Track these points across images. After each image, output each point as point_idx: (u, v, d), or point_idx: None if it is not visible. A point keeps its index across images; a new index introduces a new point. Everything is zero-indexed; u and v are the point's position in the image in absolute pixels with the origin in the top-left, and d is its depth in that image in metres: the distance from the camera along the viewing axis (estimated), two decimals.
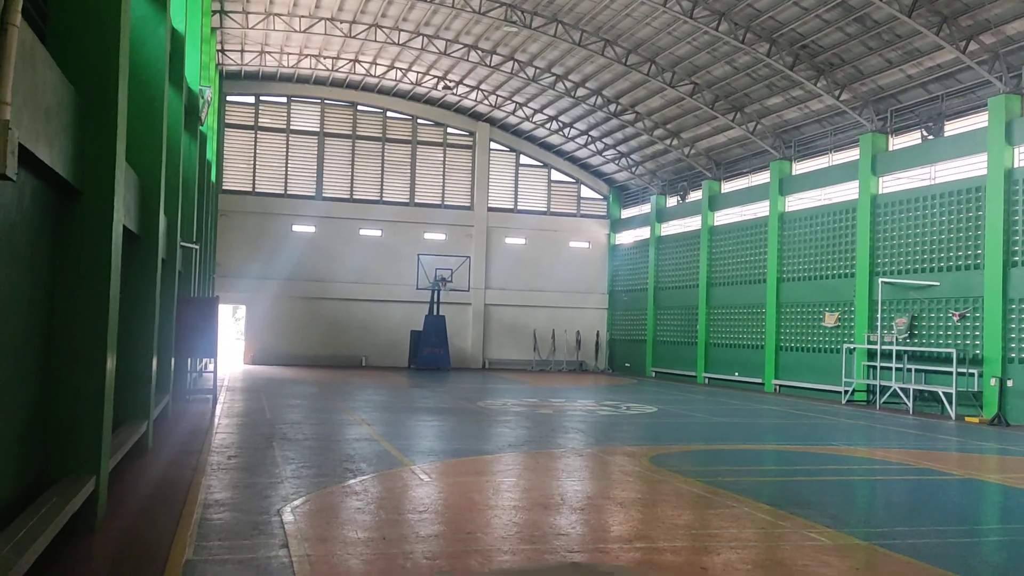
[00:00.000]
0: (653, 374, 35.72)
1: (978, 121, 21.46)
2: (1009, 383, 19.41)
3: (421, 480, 9.77)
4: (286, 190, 36.41)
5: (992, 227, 20.13)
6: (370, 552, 6.57)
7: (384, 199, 37.55)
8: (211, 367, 19.66)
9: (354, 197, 37.17)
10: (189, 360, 19.72)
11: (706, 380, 31.84)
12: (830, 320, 25.72)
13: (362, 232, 36.98)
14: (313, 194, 36.59)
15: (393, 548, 6.69)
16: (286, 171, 36.49)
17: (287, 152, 36.53)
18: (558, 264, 39.43)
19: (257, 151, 36.22)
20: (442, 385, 26.29)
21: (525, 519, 7.88)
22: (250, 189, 35.99)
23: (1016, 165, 20.05)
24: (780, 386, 27.67)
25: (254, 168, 36.16)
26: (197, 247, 20.32)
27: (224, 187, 35.26)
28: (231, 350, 35.12)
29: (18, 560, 4.42)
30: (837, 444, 14.63)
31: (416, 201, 37.99)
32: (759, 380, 28.69)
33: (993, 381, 19.59)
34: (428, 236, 37.65)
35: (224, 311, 29.35)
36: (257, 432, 13.52)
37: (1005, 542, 7.77)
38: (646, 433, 15.56)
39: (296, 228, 36.14)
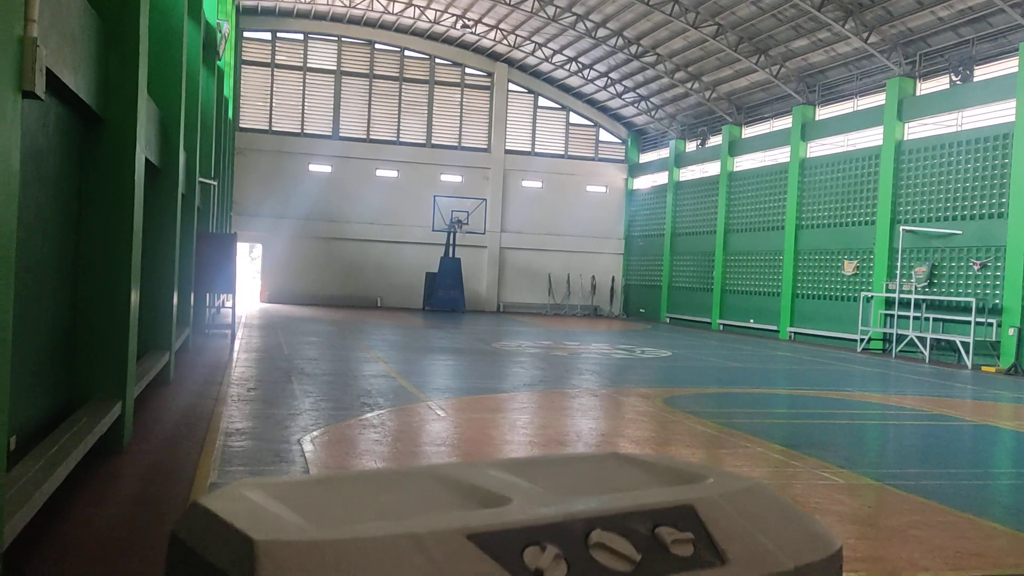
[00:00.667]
0: (668, 320, 35.77)
1: (1009, 66, 20.94)
2: None
3: (437, 415, 9.91)
4: (303, 129, 36.22)
5: (1018, 175, 19.79)
6: None
7: (401, 140, 37.31)
8: (229, 303, 19.85)
9: (371, 137, 36.95)
10: (208, 295, 19.90)
11: (721, 327, 31.87)
12: (849, 268, 25.57)
13: (378, 173, 36.84)
14: (330, 133, 36.39)
15: None
16: (303, 109, 36.24)
17: (304, 90, 36.23)
18: (575, 208, 39.21)
19: (274, 89, 35.94)
20: (457, 326, 26.47)
21: (541, 454, 8.00)
22: (266, 127, 35.83)
23: None
24: (795, 333, 27.66)
25: (270, 106, 35.94)
26: (215, 184, 20.34)
27: (240, 125, 35.12)
28: (247, 288, 35.38)
29: (51, 475, 4.55)
30: (851, 390, 14.69)
31: (433, 142, 37.71)
32: (774, 327, 28.68)
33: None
34: (444, 178, 37.47)
35: (240, 249, 29.47)
36: (275, 367, 13.71)
37: (1017, 485, 7.84)
38: (660, 376, 15.66)
39: (312, 167, 36.04)
